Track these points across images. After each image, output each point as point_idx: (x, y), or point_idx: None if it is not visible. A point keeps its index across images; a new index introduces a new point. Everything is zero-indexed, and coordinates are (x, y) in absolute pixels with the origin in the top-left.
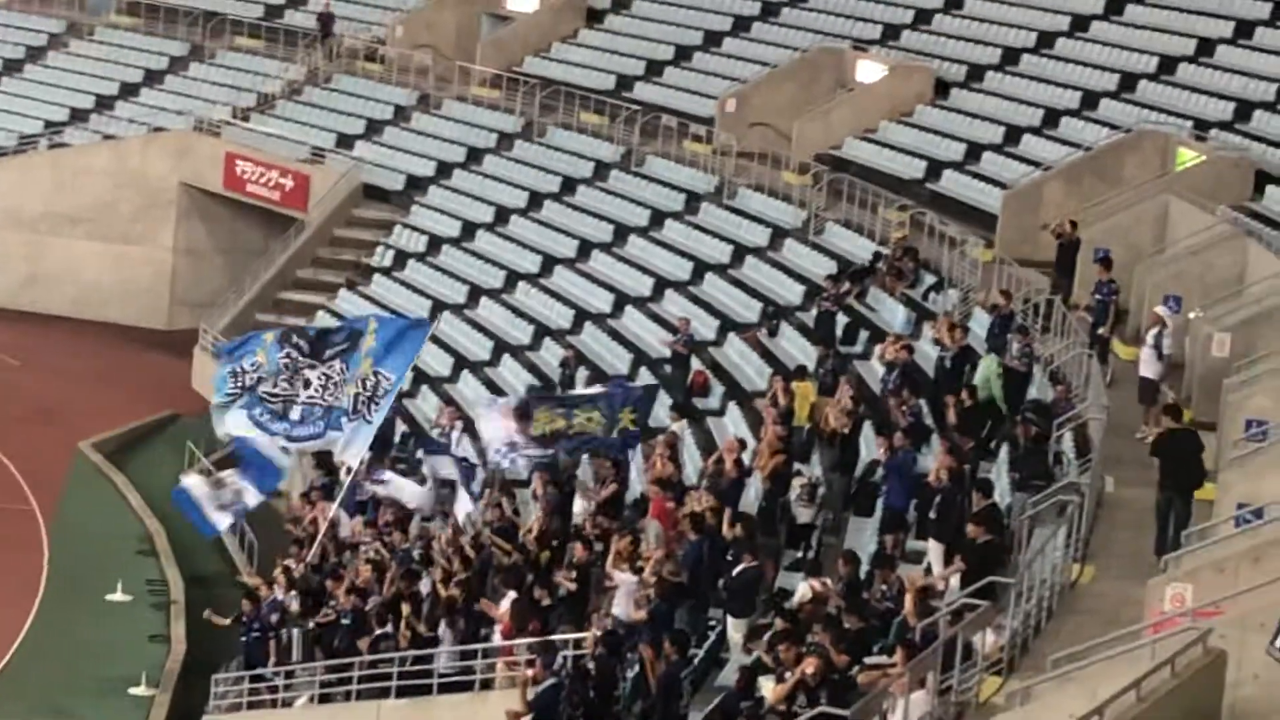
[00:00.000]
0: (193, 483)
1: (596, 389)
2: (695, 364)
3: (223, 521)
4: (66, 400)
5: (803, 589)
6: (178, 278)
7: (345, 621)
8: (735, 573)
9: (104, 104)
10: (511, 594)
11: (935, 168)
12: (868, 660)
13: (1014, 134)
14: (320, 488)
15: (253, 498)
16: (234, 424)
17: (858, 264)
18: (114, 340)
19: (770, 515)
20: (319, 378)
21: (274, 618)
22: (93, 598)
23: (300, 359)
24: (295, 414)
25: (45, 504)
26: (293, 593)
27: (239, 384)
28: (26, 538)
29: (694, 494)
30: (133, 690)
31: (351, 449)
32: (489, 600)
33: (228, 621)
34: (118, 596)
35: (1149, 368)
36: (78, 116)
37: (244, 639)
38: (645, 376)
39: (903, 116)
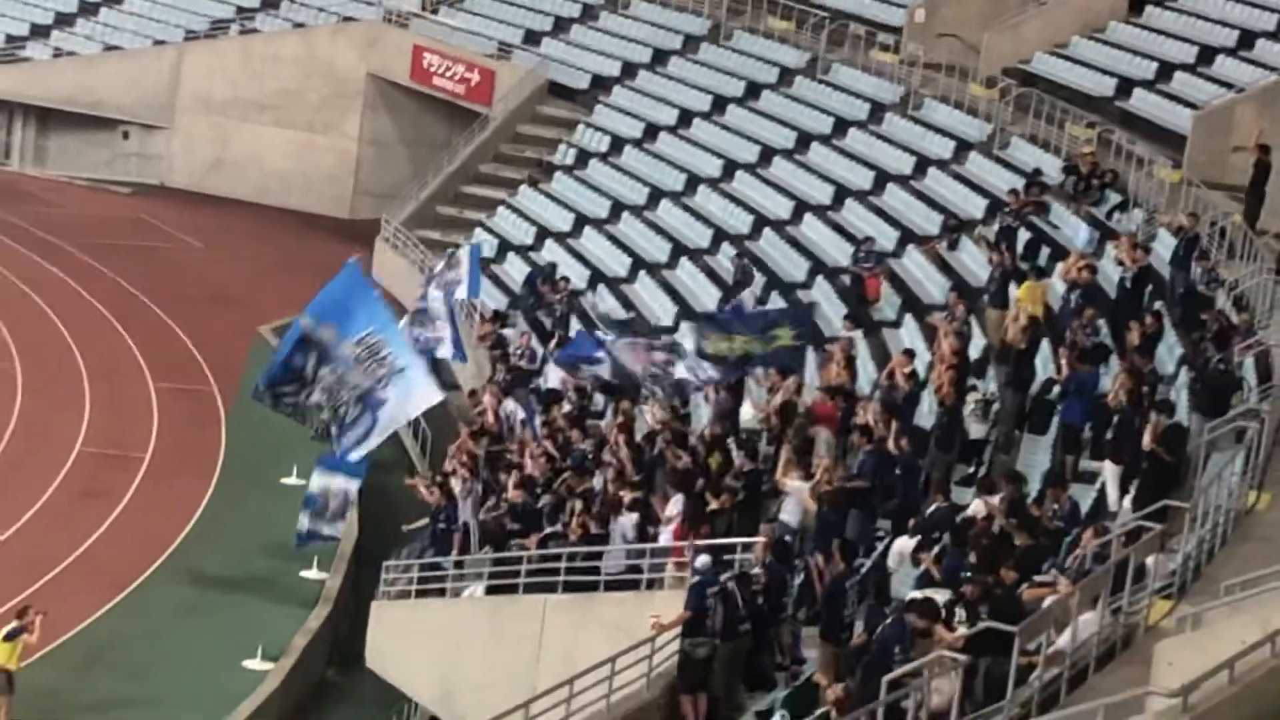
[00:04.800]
0: (302, 522)
1: (753, 309)
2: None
3: (338, 529)
4: (247, 285)
5: (975, 505)
6: (361, 168)
7: (513, 517)
8: (928, 511)
9: None
10: (680, 496)
11: (1125, 85)
12: (1036, 578)
13: (1208, 54)
14: (495, 381)
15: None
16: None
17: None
18: (296, 227)
19: (944, 430)
20: (329, 386)
21: (461, 508)
22: (268, 480)
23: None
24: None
25: (224, 386)
26: (475, 483)
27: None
28: (206, 418)
29: (864, 404)
30: (304, 573)
31: (415, 398)
32: (659, 500)
33: (432, 493)
34: (292, 480)
35: None
36: (268, 3)
37: (433, 530)
38: (821, 285)
39: (1094, 32)
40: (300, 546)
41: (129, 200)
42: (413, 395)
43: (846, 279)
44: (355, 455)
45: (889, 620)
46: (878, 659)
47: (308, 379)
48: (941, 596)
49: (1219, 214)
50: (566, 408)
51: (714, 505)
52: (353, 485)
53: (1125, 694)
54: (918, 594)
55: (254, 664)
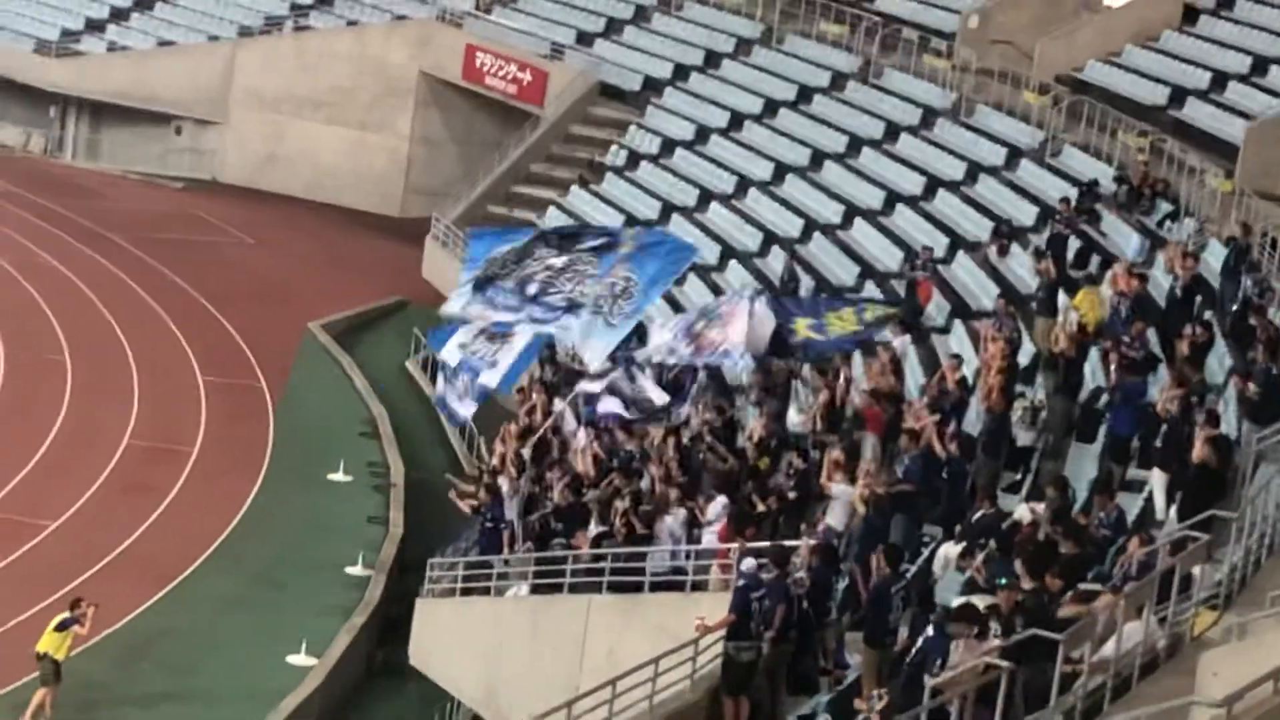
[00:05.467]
0: (439, 385)
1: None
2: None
3: (468, 409)
4: (297, 280)
5: (1021, 511)
6: (412, 166)
7: (557, 516)
8: (974, 517)
9: None
10: (722, 498)
11: (1178, 95)
12: (1081, 586)
13: (1261, 64)
14: (543, 382)
15: (491, 376)
16: (460, 305)
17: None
18: (346, 224)
19: (992, 436)
20: (564, 263)
21: (508, 508)
22: (314, 476)
23: (547, 251)
24: (532, 289)
25: (273, 381)
26: (521, 480)
27: (486, 272)
28: (254, 412)
29: (911, 407)
30: (349, 569)
31: (589, 345)
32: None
33: (471, 493)
34: (339, 476)
35: None
36: (323, 1)
37: (480, 528)
38: (870, 290)
39: (1148, 41)
40: (442, 410)
41: (181, 195)
42: (591, 341)
43: (902, 285)
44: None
45: (930, 632)
46: (917, 668)
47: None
48: (984, 603)
49: (1270, 224)
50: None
51: (761, 507)
52: (488, 374)
53: (1169, 703)
54: (961, 599)
55: (297, 659)
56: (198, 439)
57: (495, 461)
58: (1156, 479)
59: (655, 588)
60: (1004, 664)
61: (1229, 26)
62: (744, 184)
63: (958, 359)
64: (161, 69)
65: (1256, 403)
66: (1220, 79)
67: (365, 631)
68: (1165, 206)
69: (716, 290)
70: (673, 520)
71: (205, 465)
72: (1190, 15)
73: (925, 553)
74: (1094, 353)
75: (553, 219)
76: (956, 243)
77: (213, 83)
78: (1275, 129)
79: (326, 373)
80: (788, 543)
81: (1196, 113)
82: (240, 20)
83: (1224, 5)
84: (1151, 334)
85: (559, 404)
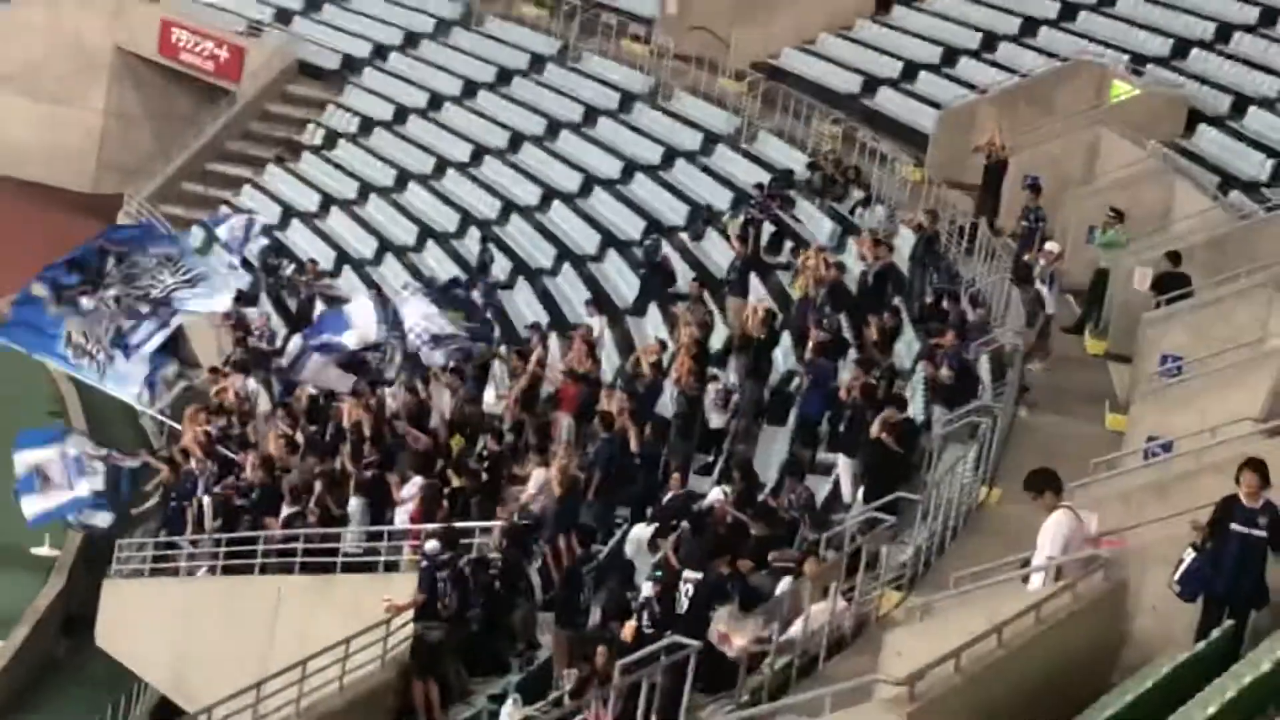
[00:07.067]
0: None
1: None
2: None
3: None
4: None
5: (713, 494)
6: (106, 141)
7: (252, 495)
8: (666, 499)
9: None
10: (418, 479)
11: (871, 84)
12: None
13: (952, 55)
14: (235, 362)
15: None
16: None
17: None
18: (36, 199)
19: (684, 419)
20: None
21: (190, 485)
22: (1, 456)
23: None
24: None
25: None
26: (210, 461)
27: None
28: None
29: (609, 393)
30: (35, 550)
31: (210, 301)
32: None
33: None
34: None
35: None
36: None
37: (166, 508)
38: (568, 272)
39: (842, 30)
40: (42, 523)
41: None
42: (210, 297)
43: (643, 267)
44: (149, 348)
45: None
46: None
47: (102, 276)
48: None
49: (958, 212)
50: (311, 390)
51: (456, 483)
52: (79, 484)
53: (853, 682)
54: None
55: None
56: None
57: (184, 441)
58: (842, 463)
59: (348, 569)
60: (693, 642)
61: (921, 17)
62: (442, 165)
63: (662, 344)
64: None
65: (949, 386)
66: (911, 69)
67: (51, 613)
68: (858, 194)
69: (415, 272)
70: (356, 502)
71: None
72: (884, 5)
73: (617, 534)
74: (785, 336)
75: (248, 197)
76: (652, 227)
77: None
78: (963, 118)
79: (12, 351)
80: (462, 524)
81: (889, 102)
82: None
83: None
84: (842, 319)
85: (251, 384)
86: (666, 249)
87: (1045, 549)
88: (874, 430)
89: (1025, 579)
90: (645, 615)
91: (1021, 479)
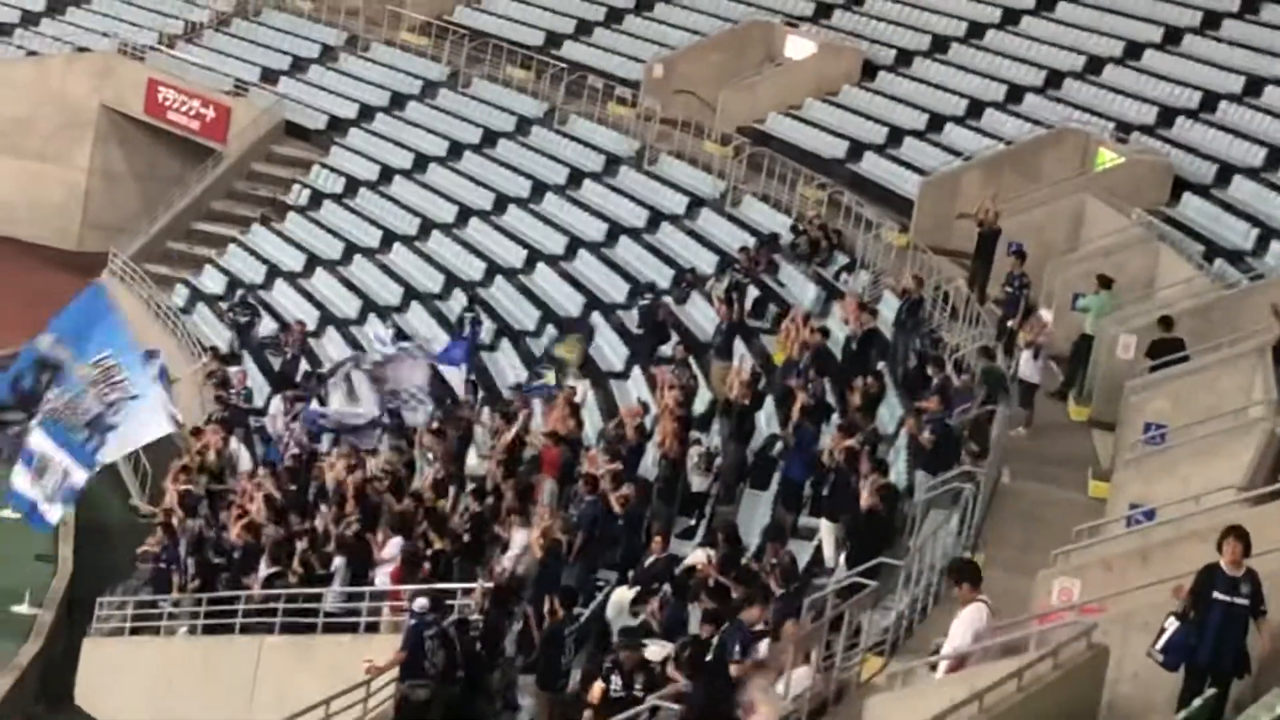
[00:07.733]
0: (19, 480)
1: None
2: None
3: (55, 513)
4: None
5: (696, 556)
6: (91, 200)
7: (233, 555)
8: (648, 562)
9: (29, 20)
10: (398, 539)
11: (857, 149)
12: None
13: (937, 122)
14: (218, 420)
15: (80, 475)
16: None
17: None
18: (20, 257)
19: (667, 482)
20: (58, 409)
21: (182, 548)
22: None
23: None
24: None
25: None
26: (198, 521)
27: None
28: None
29: (591, 454)
30: (15, 608)
31: (147, 426)
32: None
33: (157, 511)
34: (6, 513)
35: (1028, 370)
36: (1, 31)
37: (154, 568)
38: (551, 333)
39: (828, 95)
40: (11, 504)
41: None
42: (145, 423)
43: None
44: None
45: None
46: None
47: (37, 397)
48: (661, 649)
49: (943, 278)
50: (294, 449)
51: (438, 545)
52: (77, 471)
53: None
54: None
55: None
56: None
57: (167, 501)
58: (825, 527)
59: (329, 629)
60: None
61: (907, 84)
62: (427, 226)
63: (645, 406)
64: None
65: (930, 451)
66: (897, 135)
67: (32, 670)
68: (842, 258)
69: (400, 333)
70: (338, 562)
71: None
72: (869, 71)
73: (599, 596)
74: (769, 400)
75: (234, 256)
76: (636, 290)
77: None
78: (948, 185)
79: None
80: (445, 585)
81: (874, 167)
82: None
83: (902, 63)
84: (826, 383)
85: (234, 443)
86: (672, 306)
87: (955, 639)
88: (864, 501)
89: (933, 667)
90: (614, 678)
91: (1005, 545)
